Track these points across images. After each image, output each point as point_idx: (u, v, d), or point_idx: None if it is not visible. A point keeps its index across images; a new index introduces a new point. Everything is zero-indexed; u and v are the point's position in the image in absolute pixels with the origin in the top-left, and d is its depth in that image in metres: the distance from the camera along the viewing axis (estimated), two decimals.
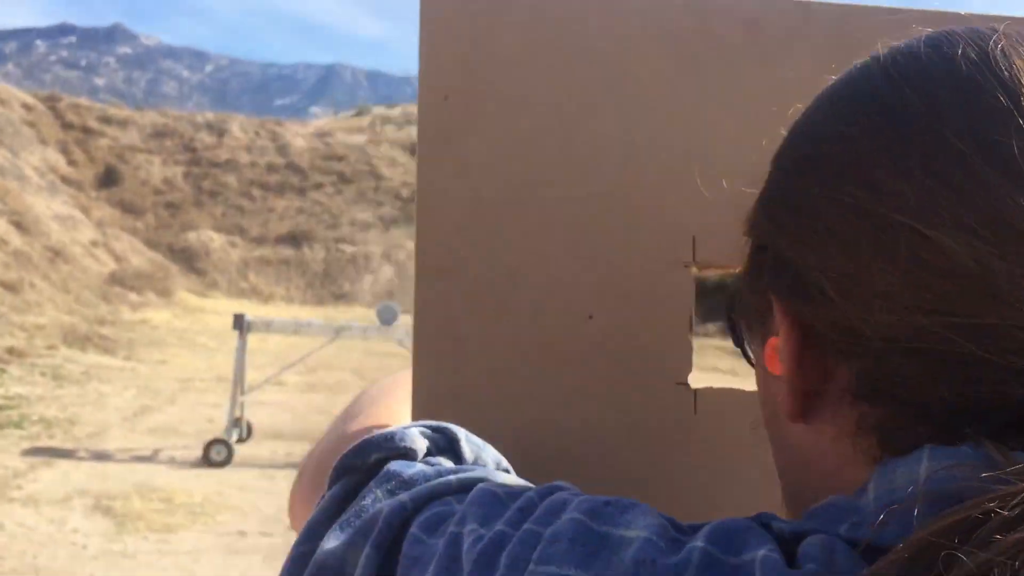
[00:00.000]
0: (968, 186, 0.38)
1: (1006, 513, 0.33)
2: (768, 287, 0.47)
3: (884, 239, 0.40)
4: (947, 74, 0.41)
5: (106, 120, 31.30)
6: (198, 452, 7.51)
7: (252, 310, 16.00)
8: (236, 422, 7.84)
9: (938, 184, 0.39)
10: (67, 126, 29.61)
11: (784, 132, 0.49)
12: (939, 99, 0.41)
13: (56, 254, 18.66)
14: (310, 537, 0.53)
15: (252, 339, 15.02)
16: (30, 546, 5.12)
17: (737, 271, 0.54)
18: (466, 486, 0.51)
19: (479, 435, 0.62)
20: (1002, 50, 0.41)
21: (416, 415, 0.75)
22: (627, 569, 0.40)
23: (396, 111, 43.63)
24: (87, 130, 29.97)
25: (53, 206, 22.40)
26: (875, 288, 0.40)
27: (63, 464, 6.95)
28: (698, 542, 0.40)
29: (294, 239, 28.52)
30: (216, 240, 27.42)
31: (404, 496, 0.51)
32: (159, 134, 31.85)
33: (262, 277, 27.02)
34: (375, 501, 0.52)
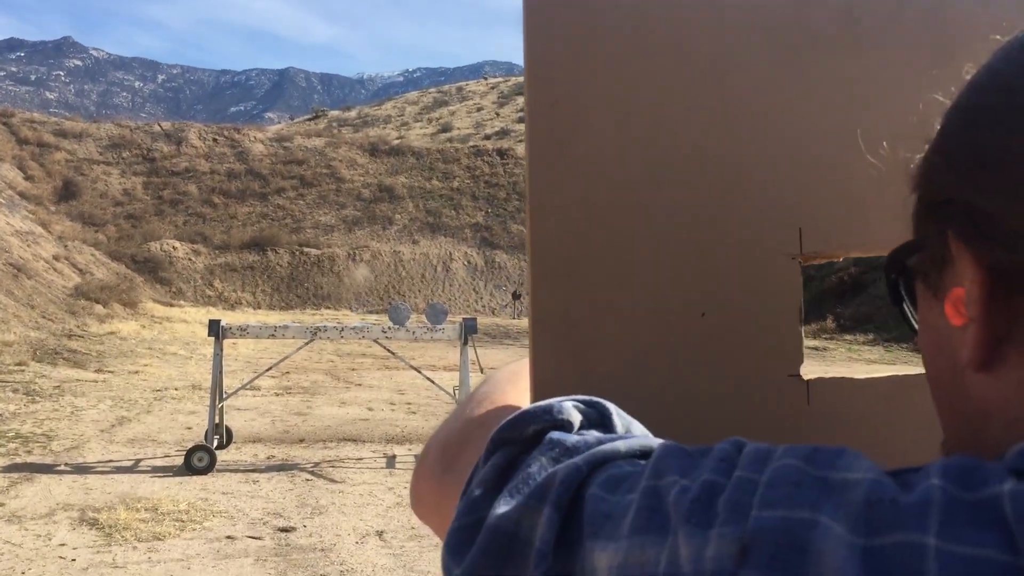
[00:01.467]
0: None
1: None
2: (955, 237, 0.48)
3: None
4: None
5: (61, 134, 30.87)
6: (179, 460, 7.49)
7: (219, 317, 15.87)
8: (216, 428, 7.82)
9: None
10: (22, 141, 29.15)
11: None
12: None
13: (19, 270, 18.39)
14: (473, 509, 0.53)
15: (224, 346, 14.96)
16: (18, 563, 5.09)
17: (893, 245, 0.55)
18: (635, 451, 0.51)
19: None
20: None
21: None
22: (861, 510, 0.39)
23: (352, 113, 43.45)
24: (43, 144, 29.53)
25: (13, 222, 22.06)
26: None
27: (44, 479, 6.90)
28: (934, 480, 0.39)
29: (258, 244, 28.33)
30: (179, 249, 27.16)
31: (578, 459, 0.51)
32: (116, 145, 31.46)
33: (228, 283, 26.82)
34: (541, 468, 0.51)
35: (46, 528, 5.69)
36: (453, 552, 0.52)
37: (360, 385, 12.97)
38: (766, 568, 0.38)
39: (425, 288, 28.71)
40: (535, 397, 0.75)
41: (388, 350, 8.72)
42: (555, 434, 0.55)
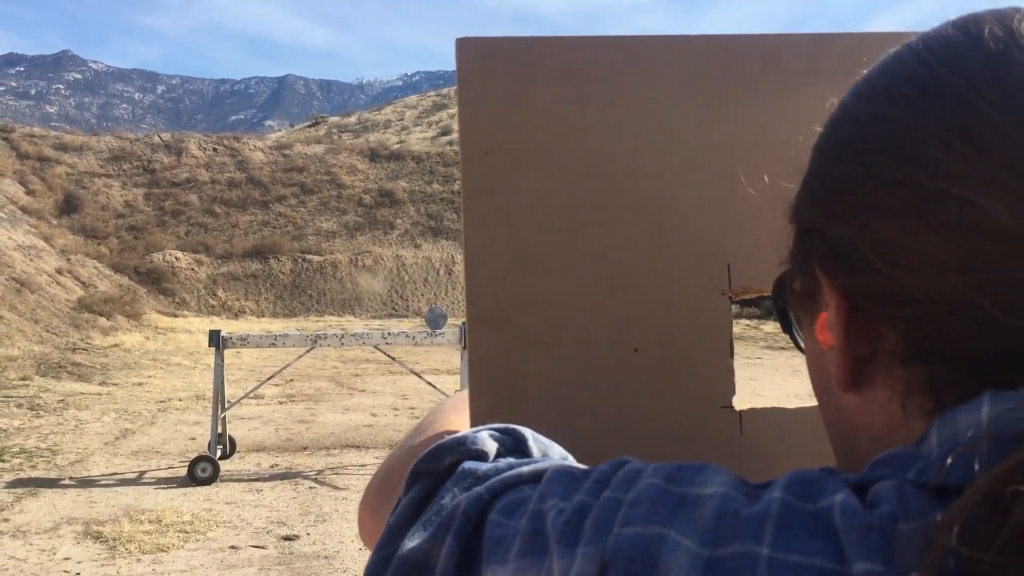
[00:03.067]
0: (1005, 151, 0.41)
1: None
2: (816, 266, 0.50)
3: (927, 207, 0.43)
4: (977, 51, 0.45)
5: (62, 147, 30.94)
6: (183, 471, 7.51)
7: (223, 326, 15.92)
8: (219, 438, 7.84)
9: (977, 152, 0.42)
10: (23, 156, 29.23)
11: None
12: (972, 74, 0.44)
13: (22, 285, 18.44)
14: (390, 540, 0.55)
15: (227, 355, 14.97)
16: None
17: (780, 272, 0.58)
18: (538, 475, 0.53)
19: None
20: None
21: None
22: (709, 524, 0.42)
23: (352, 119, 43.51)
24: (43, 158, 29.61)
25: (15, 237, 22.12)
26: (919, 253, 0.43)
27: (48, 493, 6.93)
28: (776, 492, 0.42)
29: (260, 253, 28.36)
30: (182, 259, 27.21)
31: (480, 488, 0.53)
32: (116, 158, 31.53)
33: (231, 292, 26.86)
34: (453, 498, 0.54)
35: (51, 543, 5.72)
36: None
37: (364, 391, 12.99)
38: None
39: (428, 292, 28.73)
40: None
41: (389, 356, 8.75)
42: (468, 464, 0.57)
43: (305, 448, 8.81)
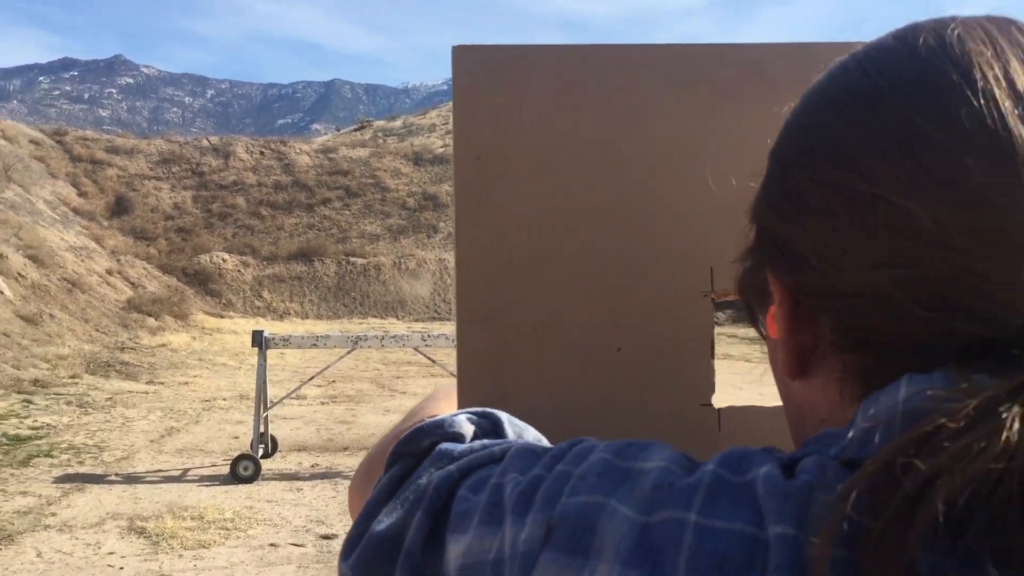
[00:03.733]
0: (930, 159, 0.45)
1: (953, 425, 0.39)
2: (765, 262, 0.55)
3: (858, 210, 0.47)
4: (911, 62, 0.48)
5: (113, 150, 31.58)
6: (226, 469, 7.62)
7: (268, 327, 16.12)
8: (261, 437, 7.94)
9: (906, 159, 0.45)
10: (76, 159, 29.90)
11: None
12: (905, 85, 0.47)
13: (73, 285, 18.86)
14: (367, 517, 0.59)
15: (272, 356, 15.15)
16: (68, 571, 5.22)
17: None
18: (506, 453, 0.57)
19: None
20: (957, 35, 0.48)
21: None
22: (647, 493, 0.46)
23: (397, 123, 43.82)
24: (95, 161, 30.25)
25: (67, 238, 22.63)
26: (849, 251, 0.47)
27: (95, 489, 7.07)
28: (709, 466, 0.47)
29: (305, 255, 28.68)
30: (228, 261, 27.61)
31: (452, 467, 0.57)
32: (166, 160, 32.10)
33: (276, 294, 27.19)
34: (428, 477, 0.58)
35: (96, 537, 5.83)
36: (344, 556, 0.58)
37: (404, 393, 13.07)
38: (564, 544, 0.46)
39: None
40: None
41: (429, 358, 8.78)
42: (445, 445, 0.61)
43: (346, 448, 8.88)
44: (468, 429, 0.64)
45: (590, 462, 0.51)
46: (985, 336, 0.43)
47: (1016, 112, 0.44)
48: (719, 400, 0.86)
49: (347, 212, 31.36)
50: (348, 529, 0.59)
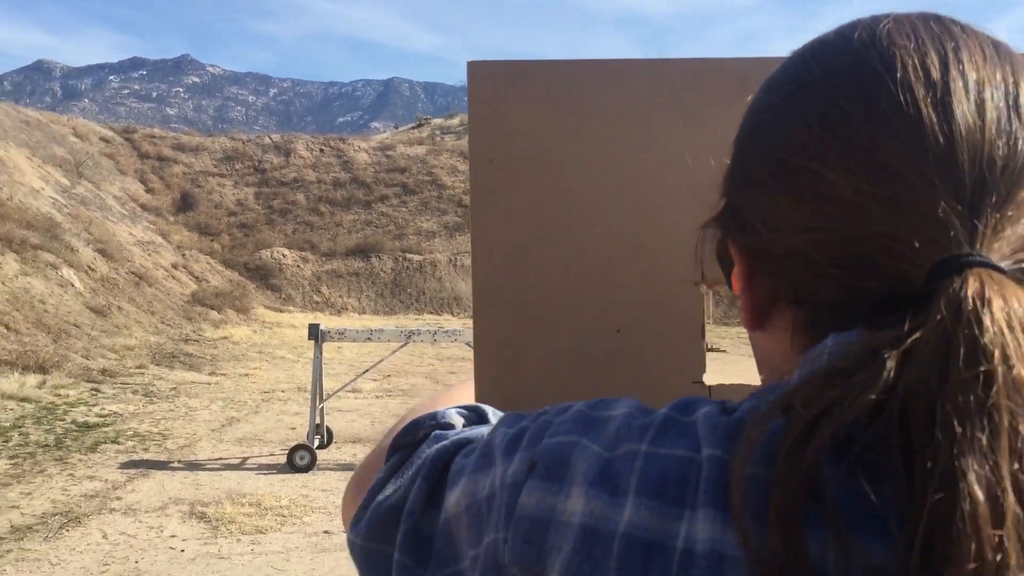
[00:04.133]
0: (848, 133, 0.52)
1: (845, 366, 0.48)
2: (725, 231, 0.63)
3: (792, 180, 0.54)
4: (844, 52, 0.55)
5: (179, 148, 32.36)
6: (283, 459, 7.83)
7: (326, 321, 16.45)
8: (317, 428, 8.14)
9: (829, 134, 0.52)
10: (143, 156, 30.72)
11: None
12: (835, 70, 0.55)
13: (140, 278, 19.41)
14: (373, 493, 0.68)
15: (329, 350, 15.41)
16: (132, 552, 5.44)
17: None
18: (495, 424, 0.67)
19: None
20: (887, 30, 0.54)
21: None
22: (611, 434, 0.57)
23: (454, 120, 44.03)
24: (162, 158, 31.04)
25: (135, 232, 23.29)
26: (782, 217, 0.55)
27: (158, 475, 7.33)
28: (663, 410, 0.57)
29: (363, 251, 29.07)
30: (288, 256, 28.13)
31: (446, 442, 0.67)
32: (229, 158, 32.80)
33: (334, 289, 27.62)
34: (426, 453, 0.68)
35: (158, 521, 6.06)
36: (352, 526, 0.69)
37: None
38: (544, 474, 0.57)
39: None
40: (478, 400, 0.93)
41: None
42: (439, 432, 0.71)
43: None
44: (458, 420, 0.74)
45: (568, 412, 0.61)
46: (892, 293, 0.50)
47: (928, 98, 0.51)
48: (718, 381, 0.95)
49: (404, 209, 31.69)
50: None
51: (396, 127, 50.83)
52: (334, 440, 8.82)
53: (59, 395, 10.57)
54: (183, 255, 24.61)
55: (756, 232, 0.58)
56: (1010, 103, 0.52)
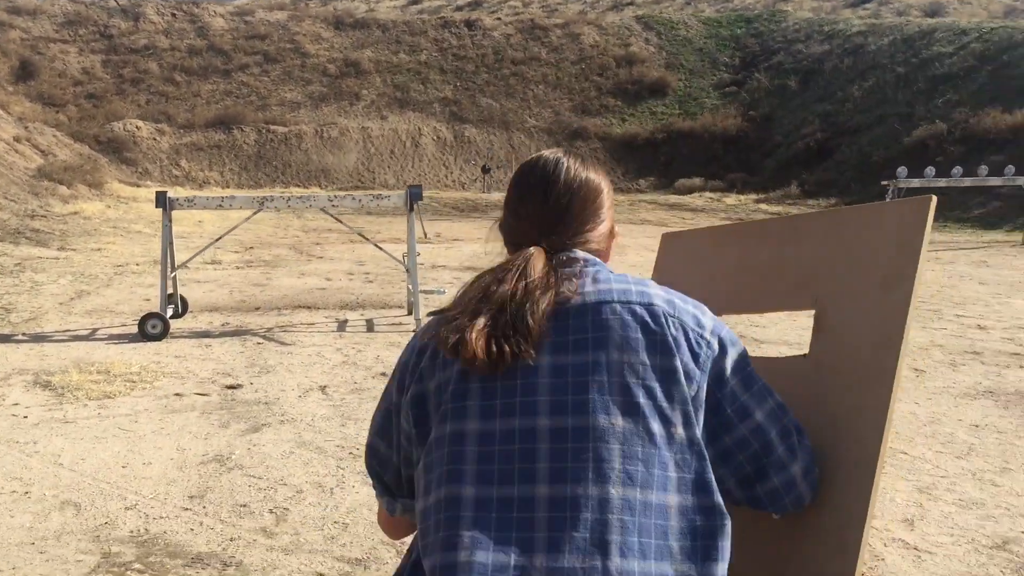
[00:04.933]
0: (510, 192, 1.50)
1: (489, 279, 1.40)
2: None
3: (507, 206, 1.53)
4: (527, 163, 1.52)
5: (15, 11, 29.88)
6: (135, 329, 7.71)
7: (187, 196, 15.88)
8: (170, 298, 8.01)
9: (509, 195, 1.51)
10: None
11: None
12: (519, 172, 1.52)
13: None
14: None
15: (187, 224, 14.96)
16: None
17: None
18: None
19: None
20: (558, 158, 1.51)
21: None
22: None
23: None
24: None
25: None
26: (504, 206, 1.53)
27: (0, 348, 7.12)
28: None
29: (223, 123, 27.97)
30: (143, 128, 26.80)
31: (413, 341, 1.45)
32: (71, 23, 30.55)
33: (194, 163, 26.60)
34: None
35: (0, 391, 5.93)
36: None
37: (322, 258, 13.16)
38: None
39: (395, 164, 28.58)
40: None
41: (337, 219, 8.86)
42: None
43: (257, 308, 9.02)
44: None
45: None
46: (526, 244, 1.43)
47: (519, 185, 1.51)
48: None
49: (266, 79, 30.46)
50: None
51: None
52: (190, 310, 8.71)
53: None
54: (26, 128, 23.10)
55: (507, 219, 1.51)
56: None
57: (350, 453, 4.68)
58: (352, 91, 30.49)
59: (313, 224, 17.61)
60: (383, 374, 6.42)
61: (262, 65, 30.83)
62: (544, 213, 1.40)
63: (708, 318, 1.32)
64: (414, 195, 8.19)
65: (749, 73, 32.35)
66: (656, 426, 1.19)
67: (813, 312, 1.56)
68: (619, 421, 1.18)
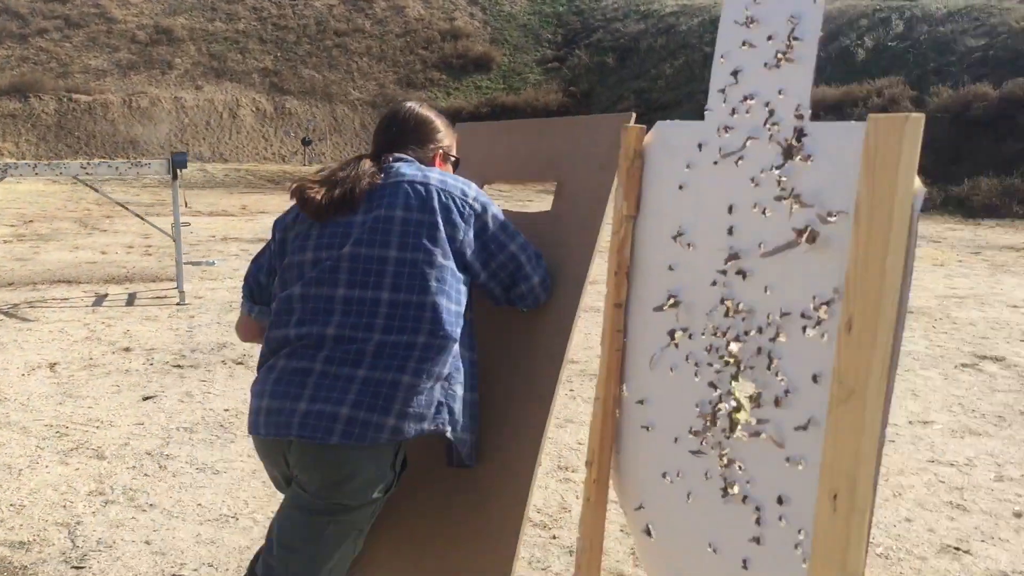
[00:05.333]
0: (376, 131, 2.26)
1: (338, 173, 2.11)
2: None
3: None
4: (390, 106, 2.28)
5: None
6: None
7: None
8: None
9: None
10: None
11: None
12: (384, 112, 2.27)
13: None
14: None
15: None
16: None
17: None
18: None
19: None
20: (405, 101, 2.22)
21: None
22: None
23: None
24: None
25: None
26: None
27: None
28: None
29: (19, 91, 26.16)
30: None
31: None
32: None
33: None
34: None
35: None
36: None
37: (107, 231, 12.55)
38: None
39: (211, 136, 27.55)
40: None
41: (93, 188, 8.46)
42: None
43: (11, 284, 8.53)
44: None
45: None
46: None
47: (379, 120, 2.24)
48: None
49: (67, 44, 28.68)
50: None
51: None
52: None
53: None
54: None
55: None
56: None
57: (56, 432, 4.50)
58: (164, 59, 29.13)
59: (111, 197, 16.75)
60: (126, 349, 6.20)
61: (63, 30, 28.98)
62: (383, 136, 2.18)
63: (472, 190, 2.04)
64: (178, 162, 7.91)
65: (570, 50, 32.95)
66: (420, 256, 1.91)
67: (556, 183, 2.28)
68: (393, 252, 1.91)
